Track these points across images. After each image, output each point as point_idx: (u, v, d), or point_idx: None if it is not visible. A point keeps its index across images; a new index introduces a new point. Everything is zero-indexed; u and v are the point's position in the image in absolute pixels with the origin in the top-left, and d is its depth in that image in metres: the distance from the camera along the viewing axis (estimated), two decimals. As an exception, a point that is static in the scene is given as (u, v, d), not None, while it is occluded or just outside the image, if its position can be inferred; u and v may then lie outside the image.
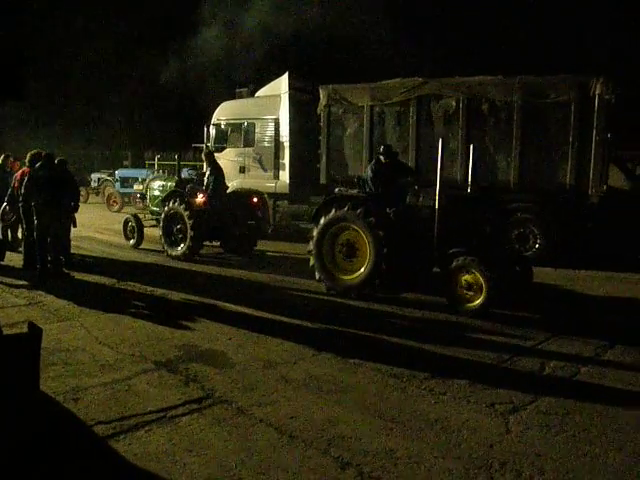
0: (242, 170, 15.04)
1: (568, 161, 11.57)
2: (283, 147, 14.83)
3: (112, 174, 23.58)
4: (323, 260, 8.86)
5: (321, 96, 13.94)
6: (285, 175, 14.80)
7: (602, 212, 11.55)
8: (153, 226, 12.96)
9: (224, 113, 15.76)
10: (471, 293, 7.60)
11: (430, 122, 12.83)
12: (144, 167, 23.63)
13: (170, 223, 11.69)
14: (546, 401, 4.96)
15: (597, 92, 11.25)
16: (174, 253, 11.56)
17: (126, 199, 22.59)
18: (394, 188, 9.01)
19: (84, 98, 33.73)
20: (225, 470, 3.75)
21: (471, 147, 9.41)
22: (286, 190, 14.74)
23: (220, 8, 19.88)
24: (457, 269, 7.68)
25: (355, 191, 9.14)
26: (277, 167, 14.89)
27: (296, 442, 4.12)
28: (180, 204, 11.47)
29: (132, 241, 12.89)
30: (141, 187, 21.20)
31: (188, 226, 11.27)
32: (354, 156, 13.76)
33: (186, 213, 11.29)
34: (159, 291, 8.69)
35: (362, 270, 8.51)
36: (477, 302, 7.54)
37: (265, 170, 15.00)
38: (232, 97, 16.72)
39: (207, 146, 15.67)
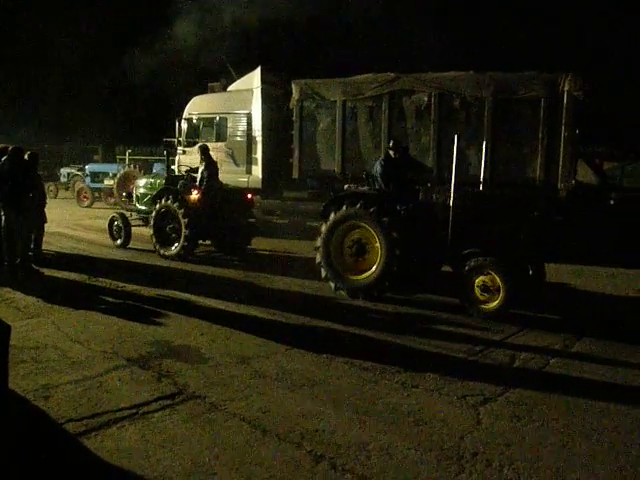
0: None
1: (538, 156, 11.75)
2: (255, 142, 14.79)
3: (82, 169, 23.24)
4: (330, 258, 8.54)
5: (294, 91, 13.93)
6: (258, 170, 14.78)
7: (571, 206, 11.75)
8: (140, 225, 12.47)
9: (196, 107, 15.65)
10: (487, 295, 7.32)
11: (402, 117, 12.92)
12: (115, 162, 23.31)
13: (162, 222, 11.17)
14: (516, 392, 5.05)
15: (566, 89, 11.44)
16: (167, 253, 11.04)
17: (97, 194, 22.31)
18: (405, 185, 8.72)
19: (54, 93, 33.21)
20: (199, 465, 3.75)
21: (484, 144, 9.06)
22: (259, 185, 14.72)
23: (191, 2, 19.74)
24: (473, 270, 7.39)
25: (366, 188, 8.79)
26: (250, 162, 14.84)
27: (270, 436, 4.14)
28: (173, 201, 10.95)
29: (119, 241, 12.27)
30: (112, 182, 21.06)
31: (182, 224, 10.77)
32: (327, 151, 13.80)
33: (180, 211, 10.79)
34: (131, 287, 8.61)
35: (373, 269, 8.19)
36: (494, 304, 7.28)
37: (238, 165, 14.94)
38: (204, 91, 16.62)
39: (179, 141, 15.56)
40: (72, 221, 17.10)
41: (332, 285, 8.59)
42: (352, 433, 4.21)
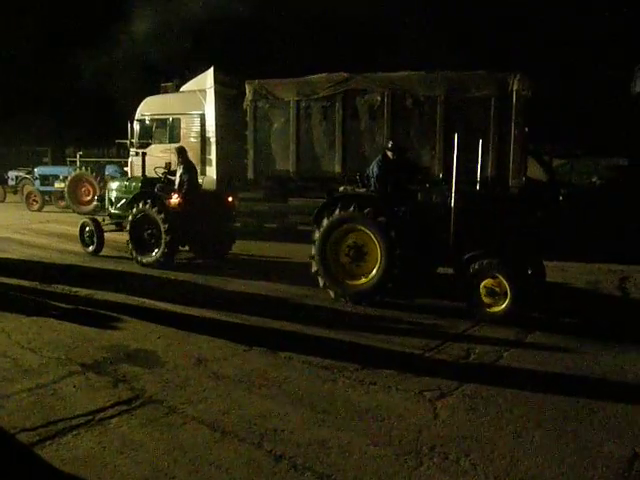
0: (167, 166, 14.76)
1: (489, 154, 11.99)
2: (209, 143, 14.67)
3: (31, 172, 22.67)
4: (327, 264, 8.21)
5: (247, 91, 13.89)
6: (212, 171, 14.65)
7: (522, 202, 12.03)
8: (113, 231, 11.92)
9: (148, 108, 15.44)
10: (493, 298, 7.14)
11: (356, 117, 13.03)
12: (65, 164, 22.80)
13: (139, 227, 10.62)
14: (472, 386, 5.15)
15: (515, 88, 11.73)
16: (146, 260, 10.47)
17: (47, 198, 21.80)
18: (402, 186, 8.49)
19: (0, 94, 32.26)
20: (158, 470, 3.71)
21: (480, 142, 8.88)
22: (213, 186, 14.59)
23: (143, 1, 19.47)
24: (479, 273, 7.21)
25: (363, 190, 8.48)
26: (204, 163, 14.69)
27: (229, 438, 4.13)
28: (152, 206, 10.39)
29: (91, 248, 11.61)
30: (63, 185, 20.62)
31: (162, 230, 10.24)
32: (281, 151, 13.81)
33: (160, 216, 10.27)
34: (85, 292, 8.43)
35: (373, 273, 7.93)
36: (501, 307, 7.10)
37: (192, 166, 14.78)
38: (156, 92, 16.42)
39: (132, 142, 15.35)
40: (21, 225, 16.65)
41: (332, 293, 8.26)
42: (311, 432, 4.23)
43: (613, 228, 12.38)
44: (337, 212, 8.08)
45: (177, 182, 10.73)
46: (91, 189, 20.30)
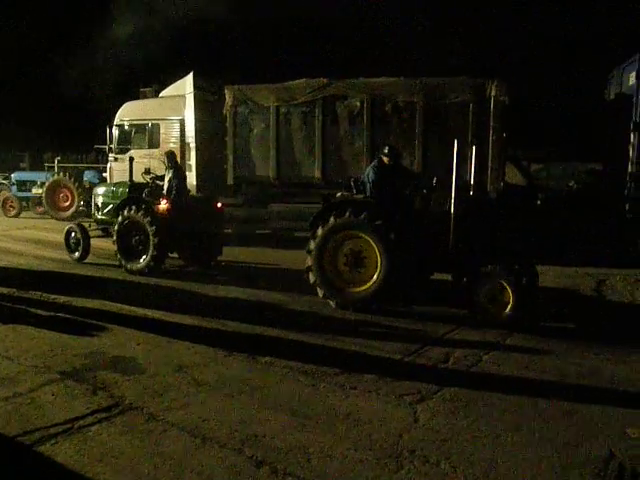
0: (147, 172, 14.69)
1: (468, 159, 12.09)
2: (189, 148, 14.65)
3: (8, 177, 22.43)
4: (325, 274, 8.03)
5: (227, 96, 13.88)
6: (192, 176, 14.61)
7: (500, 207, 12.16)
8: (100, 236, 11.72)
9: (127, 113, 15.38)
10: (497, 303, 7.15)
11: (336, 122, 13.09)
12: (43, 170, 22.60)
13: (126, 234, 10.39)
14: (451, 390, 5.19)
15: (492, 94, 11.87)
16: (135, 267, 10.26)
17: (24, 204, 21.59)
18: (397, 192, 8.39)
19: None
20: (138, 477, 3.69)
21: (473, 148, 8.80)
22: (193, 192, 14.55)
23: (122, 5, 19.40)
24: (483, 279, 7.21)
25: (361, 196, 8.24)
26: (184, 168, 14.66)
27: (210, 444, 4.12)
28: (139, 211, 10.20)
29: (76, 254, 11.37)
30: (40, 191, 20.43)
31: (150, 235, 10.06)
32: (261, 156, 13.81)
33: (147, 221, 10.07)
34: (63, 299, 8.35)
35: (374, 279, 7.79)
36: (504, 312, 7.10)
37: (171, 171, 14.73)
38: (135, 97, 16.37)
39: (110, 148, 15.30)
40: (-2, 232, 16.45)
41: (332, 303, 8.10)
42: (292, 437, 4.24)
43: (589, 232, 12.54)
44: (332, 219, 7.93)
45: (166, 187, 10.55)
46: (69, 195, 20.15)
